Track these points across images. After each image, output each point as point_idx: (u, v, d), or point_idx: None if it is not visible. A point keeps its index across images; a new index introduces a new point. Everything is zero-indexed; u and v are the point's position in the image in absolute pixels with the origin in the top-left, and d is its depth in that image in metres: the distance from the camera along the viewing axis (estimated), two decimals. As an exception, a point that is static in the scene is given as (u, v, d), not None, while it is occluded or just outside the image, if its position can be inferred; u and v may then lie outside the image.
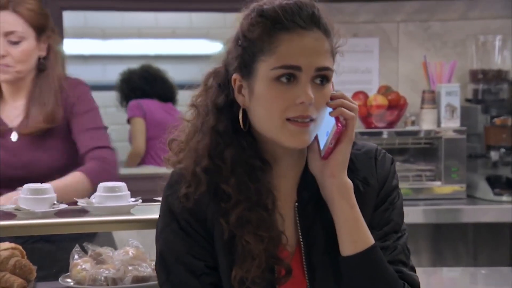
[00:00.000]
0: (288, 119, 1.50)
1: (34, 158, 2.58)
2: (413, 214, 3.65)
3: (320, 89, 1.52)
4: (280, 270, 1.54)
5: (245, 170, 1.55)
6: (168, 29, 5.78)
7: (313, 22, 1.51)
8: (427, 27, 4.17)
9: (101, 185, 2.00)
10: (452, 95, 3.85)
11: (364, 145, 1.67)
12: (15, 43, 2.53)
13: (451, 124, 3.85)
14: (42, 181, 2.44)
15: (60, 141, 2.62)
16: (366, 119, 3.86)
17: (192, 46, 5.92)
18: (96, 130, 2.68)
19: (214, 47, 5.66)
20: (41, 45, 2.60)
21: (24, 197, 1.96)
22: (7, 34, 2.53)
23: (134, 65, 5.40)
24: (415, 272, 1.65)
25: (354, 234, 1.54)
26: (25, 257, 2.06)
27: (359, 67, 4.07)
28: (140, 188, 2.14)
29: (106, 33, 5.98)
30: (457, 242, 3.98)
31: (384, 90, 3.90)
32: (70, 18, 5.47)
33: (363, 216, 1.56)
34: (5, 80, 2.57)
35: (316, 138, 1.56)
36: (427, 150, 3.92)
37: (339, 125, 1.53)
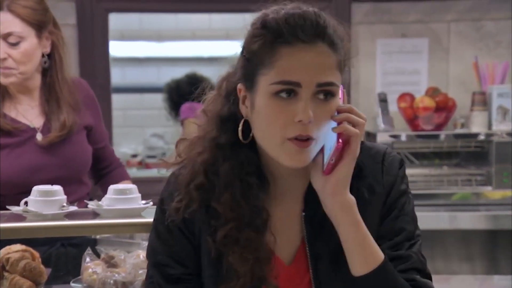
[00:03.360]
0: (288, 138, 1.44)
1: (70, 155, 2.47)
2: (462, 219, 3.55)
3: (323, 105, 1.44)
4: None
5: (240, 187, 1.50)
6: (221, 31, 5.76)
7: (317, 35, 1.43)
8: (479, 26, 4.05)
9: (111, 187, 1.97)
10: (504, 96, 3.73)
11: (373, 147, 1.59)
12: (15, 44, 2.38)
13: (502, 127, 3.73)
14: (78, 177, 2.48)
15: (83, 134, 2.54)
16: (412, 121, 3.75)
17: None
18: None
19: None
20: (44, 42, 2.44)
21: (33, 199, 1.93)
22: (5, 36, 2.38)
23: (188, 68, 5.40)
24: (431, 279, 1.56)
25: (364, 252, 1.48)
26: (37, 259, 2.05)
27: (407, 68, 3.95)
28: (151, 192, 2.10)
29: (161, 35, 6.01)
30: (510, 249, 3.84)
31: (432, 92, 3.79)
32: (125, 20, 5.52)
33: (367, 226, 1.49)
34: (11, 83, 2.43)
35: (322, 151, 1.50)
36: (477, 153, 3.80)
37: (340, 141, 1.45)
